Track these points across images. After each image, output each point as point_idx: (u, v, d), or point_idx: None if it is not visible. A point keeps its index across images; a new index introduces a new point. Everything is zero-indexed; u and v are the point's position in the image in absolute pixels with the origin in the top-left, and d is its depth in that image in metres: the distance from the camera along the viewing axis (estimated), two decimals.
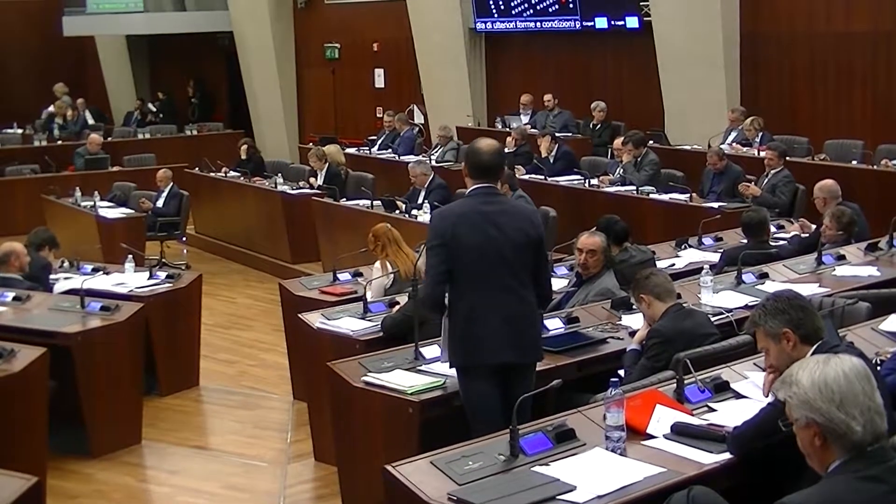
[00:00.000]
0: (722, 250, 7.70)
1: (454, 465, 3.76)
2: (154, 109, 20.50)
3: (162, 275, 8.05)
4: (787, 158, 10.03)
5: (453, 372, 4.80)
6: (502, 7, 15.48)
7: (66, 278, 8.01)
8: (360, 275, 7.46)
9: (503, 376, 4.66)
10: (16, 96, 19.81)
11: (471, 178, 4.77)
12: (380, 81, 18.17)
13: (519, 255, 4.67)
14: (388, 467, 3.79)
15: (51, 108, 18.72)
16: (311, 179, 12.33)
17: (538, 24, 15.18)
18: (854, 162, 10.67)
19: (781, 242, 7.94)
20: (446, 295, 4.67)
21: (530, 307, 4.74)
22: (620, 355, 5.30)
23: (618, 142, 11.48)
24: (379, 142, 14.87)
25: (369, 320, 6.16)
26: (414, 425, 4.73)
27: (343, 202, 11.19)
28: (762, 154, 10.87)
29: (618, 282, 6.33)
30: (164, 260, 11.57)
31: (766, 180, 9.73)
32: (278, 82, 19.10)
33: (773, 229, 8.07)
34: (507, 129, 13.83)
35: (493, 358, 4.62)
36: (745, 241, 7.66)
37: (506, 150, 12.44)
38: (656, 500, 3.53)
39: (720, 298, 6.15)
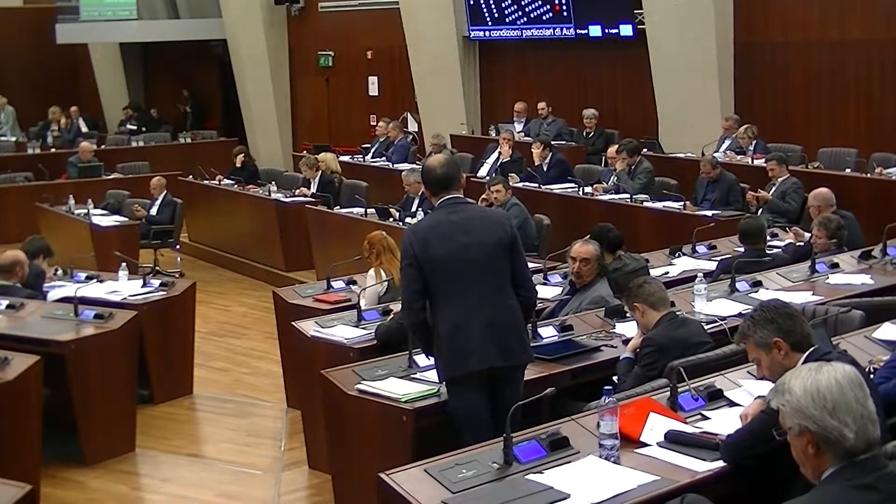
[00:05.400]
0: (718, 259, 7.68)
1: (448, 473, 3.76)
2: (155, 117, 20.48)
3: (156, 283, 8.05)
4: None
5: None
6: (496, 15, 15.49)
7: (59, 286, 8.00)
8: (354, 283, 7.45)
9: (490, 385, 4.69)
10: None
11: (433, 196, 4.86)
12: (374, 89, 18.17)
13: (493, 259, 4.73)
14: (382, 475, 3.78)
15: None
16: (303, 189, 12.29)
17: (532, 32, 15.19)
18: (848, 170, 10.68)
19: (776, 250, 7.95)
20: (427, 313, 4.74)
21: (511, 311, 4.75)
22: (614, 363, 5.30)
23: (611, 150, 11.47)
24: (373, 150, 14.89)
25: (363, 328, 6.17)
26: (408, 433, 4.72)
27: (337, 210, 11.20)
28: (757, 163, 10.90)
29: (611, 290, 6.33)
30: (157, 268, 11.57)
31: (774, 188, 9.74)
32: (272, 90, 19.09)
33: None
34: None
35: (480, 364, 4.64)
36: (742, 249, 7.66)
37: (501, 158, 12.53)
38: None
39: (714, 307, 6.16)
